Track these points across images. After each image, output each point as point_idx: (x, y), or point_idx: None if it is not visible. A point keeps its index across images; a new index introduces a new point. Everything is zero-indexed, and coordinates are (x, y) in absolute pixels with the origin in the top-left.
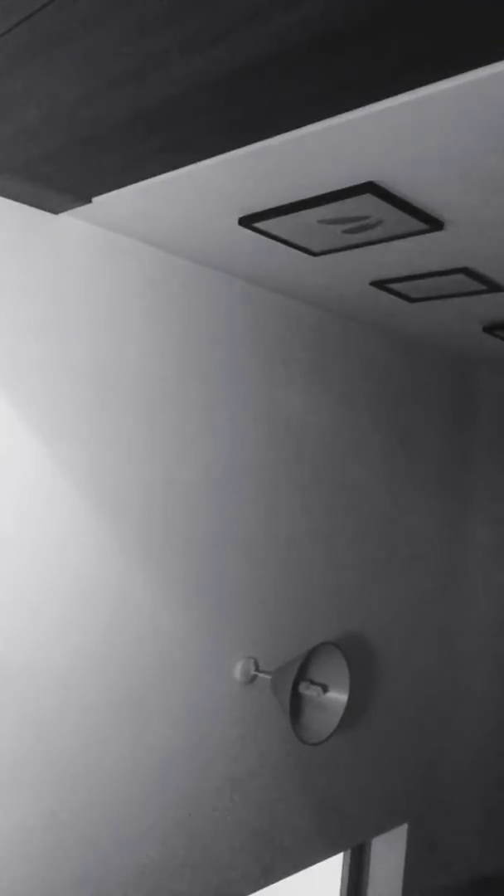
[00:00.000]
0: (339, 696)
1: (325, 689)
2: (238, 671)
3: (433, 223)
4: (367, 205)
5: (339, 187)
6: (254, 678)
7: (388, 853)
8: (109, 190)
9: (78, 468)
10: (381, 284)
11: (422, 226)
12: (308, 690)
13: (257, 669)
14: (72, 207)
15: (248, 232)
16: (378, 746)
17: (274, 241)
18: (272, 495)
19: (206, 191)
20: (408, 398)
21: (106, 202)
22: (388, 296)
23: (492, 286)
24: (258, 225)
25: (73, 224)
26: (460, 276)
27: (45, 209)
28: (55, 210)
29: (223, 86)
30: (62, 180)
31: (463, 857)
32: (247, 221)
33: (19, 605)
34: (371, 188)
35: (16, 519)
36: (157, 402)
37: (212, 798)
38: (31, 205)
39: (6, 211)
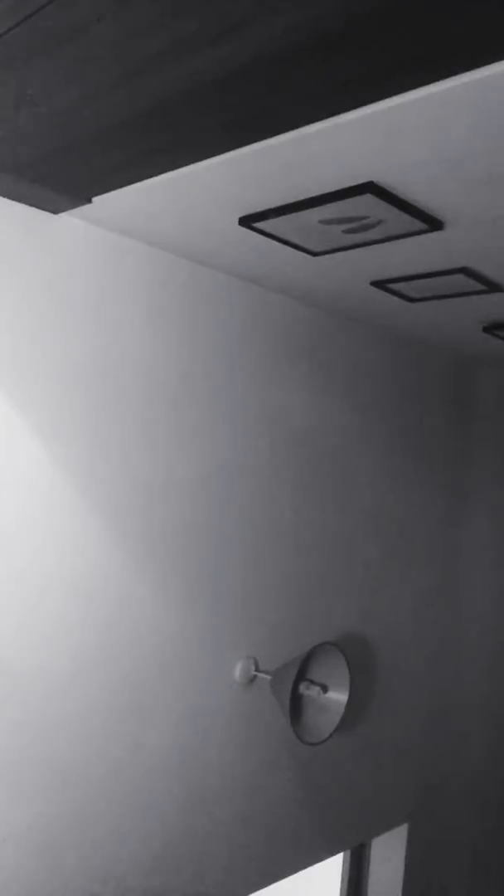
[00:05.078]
0: (339, 696)
1: (325, 689)
2: (238, 671)
3: (433, 223)
4: (367, 205)
5: (339, 187)
6: (254, 678)
7: (388, 853)
8: (109, 190)
9: (78, 468)
10: (381, 284)
11: (422, 226)
12: (308, 690)
13: (257, 669)
14: (72, 207)
15: (248, 232)
16: (378, 746)
17: (274, 241)
18: (272, 495)
19: (206, 191)
20: (408, 398)
21: (106, 202)
22: (388, 296)
23: (492, 286)
24: (258, 225)
25: (73, 224)
26: (460, 276)
27: (45, 209)
28: (55, 210)
29: (223, 86)
30: (62, 180)
31: (463, 858)
32: (247, 221)
33: (19, 606)
34: (371, 188)
35: (15, 519)
36: (157, 402)
37: (211, 798)
38: (31, 205)
39: (6, 211)
